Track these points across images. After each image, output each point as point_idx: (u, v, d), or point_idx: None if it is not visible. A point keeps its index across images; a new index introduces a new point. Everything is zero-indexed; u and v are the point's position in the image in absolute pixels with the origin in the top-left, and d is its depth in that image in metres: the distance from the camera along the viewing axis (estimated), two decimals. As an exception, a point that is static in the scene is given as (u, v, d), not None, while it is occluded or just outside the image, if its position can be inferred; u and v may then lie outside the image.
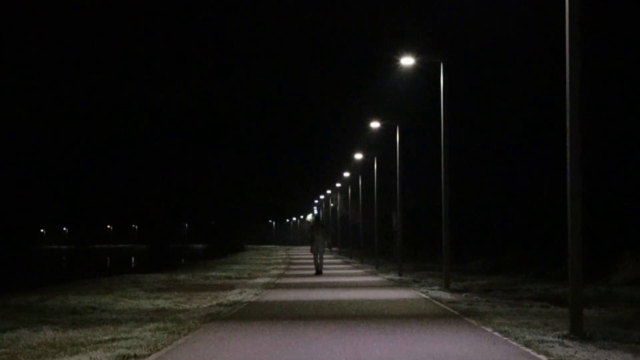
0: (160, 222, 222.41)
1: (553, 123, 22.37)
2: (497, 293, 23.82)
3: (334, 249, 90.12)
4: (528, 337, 13.36)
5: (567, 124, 13.74)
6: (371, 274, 39.07)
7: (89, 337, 14.14)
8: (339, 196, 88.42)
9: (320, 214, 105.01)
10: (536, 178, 39.46)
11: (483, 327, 15.16)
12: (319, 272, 36.65)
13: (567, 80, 13.69)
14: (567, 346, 12.39)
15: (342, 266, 49.87)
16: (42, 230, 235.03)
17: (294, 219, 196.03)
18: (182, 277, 35.50)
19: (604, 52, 31.65)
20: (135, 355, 11.90)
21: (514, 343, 12.90)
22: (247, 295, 23.99)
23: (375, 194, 49.86)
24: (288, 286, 29.00)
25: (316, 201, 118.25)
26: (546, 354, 11.70)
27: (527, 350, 12.15)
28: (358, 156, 57.93)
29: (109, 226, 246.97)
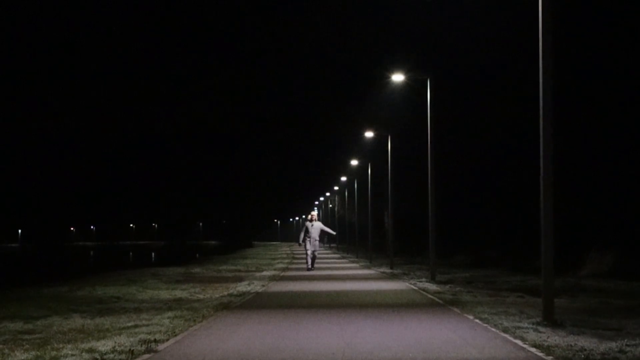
0: (177, 221, 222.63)
1: (528, 132, 22.40)
2: (478, 284, 23.83)
3: (332, 245, 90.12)
4: (505, 324, 13.36)
5: (541, 137, 13.74)
6: (365, 267, 39.06)
7: (113, 324, 14.14)
8: (337, 198, 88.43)
9: (320, 213, 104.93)
10: (514, 181, 39.43)
11: (465, 315, 15.15)
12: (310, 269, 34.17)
13: (541, 95, 13.70)
14: (540, 332, 12.40)
15: (340, 261, 49.89)
16: (72, 229, 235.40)
17: (297, 218, 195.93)
18: (197, 270, 35.50)
19: (572, 67, 31.60)
20: (155, 340, 11.90)
21: (493, 329, 12.90)
22: (255, 287, 23.98)
23: (369, 196, 49.85)
24: (291, 278, 29.00)
25: (317, 202, 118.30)
26: (522, 339, 11.70)
27: (505, 335, 12.15)
28: (354, 162, 58.06)
29: (131, 225, 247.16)
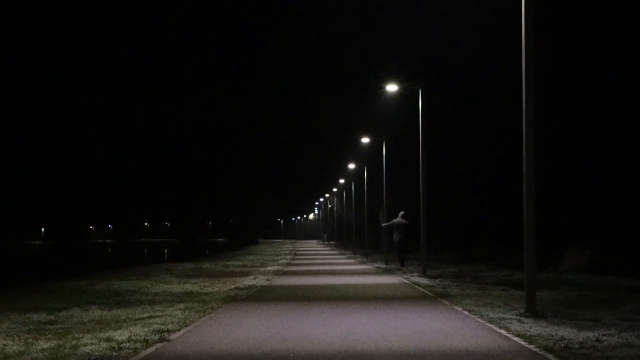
0: (188, 220, 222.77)
1: (512, 138, 22.43)
2: (466, 279, 23.82)
3: (331, 242, 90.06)
4: (491, 315, 13.36)
5: (524, 143, 13.75)
6: (362, 263, 39.06)
7: (129, 315, 14.15)
8: (335, 199, 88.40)
9: (320, 213, 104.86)
10: (499, 183, 39.47)
11: (454, 306, 15.16)
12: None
13: (524, 105, 13.70)
14: (523, 322, 12.40)
15: (338, 256, 49.88)
16: (91, 227, 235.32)
17: (299, 217, 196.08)
18: (206, 265, 35.50)
19: (552, 73, 31.59)
20: (168, 330, 11.91)
21: (480, 320, 12.91)
22: (260, 281, 23.99)
23: (365, 197, 49.87)
24: (293, 273, 29.01)
25: (317, 203, 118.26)
26: (506, 329, 11.71)
27: (491, 325, 12.16)
28: (351, 166, 57.99)
29: (146, 223, 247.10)
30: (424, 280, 23.29)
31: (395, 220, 32.54)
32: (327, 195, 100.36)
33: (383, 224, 35.75)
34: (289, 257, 48.15)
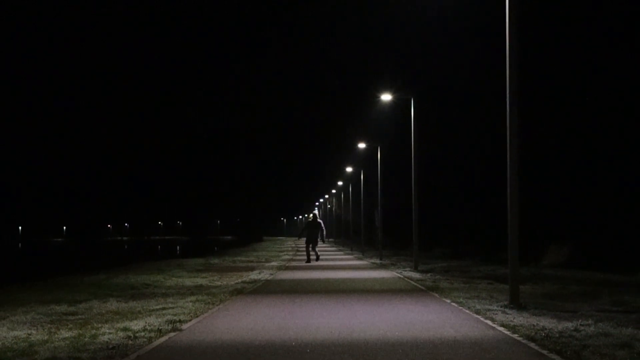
0: (198, 219, 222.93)
1: (497, 143, 22.46)
2: (454, 273, 23.82)
3: (330, 239, 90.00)
4: (478, 307, 13.36)
5: (508, 149, 13.75)
6: (359, 258, 39.04)
7: (144, 307, 14.15)
8: (334, 199, 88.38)
9: (320, 212, 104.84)
10: (485, 185, 39.48)
11: (443, 299, 15.15)
12: (309, 261, 32.57)
13: (508, 114, 13.70)
14: (507, 313, 12.40)
15: (337, 253, 49.86)
16: (109, 226, 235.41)
17: (300, 216, 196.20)
18: (215, 261, 35.50)
19: (533, 83, 31.62)
20: (180, 320, 11.91)
21: (467, 311, 12.90)
22: (264, 275, 23.97)
23: (362, 198, 49.86)
24: (295, 268, 28.99)
25: (317, 203, 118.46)
26: (492, 319, 11.71)
27: (477, 316, 12.16)
28: (349, 169, 58.04)
29: (159, 222, 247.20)
30: (415, 275, 23.28)
31: None
32: (326, 196, 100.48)
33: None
34: (291, 253, 48.12)
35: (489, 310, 12.87)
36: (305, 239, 33.66)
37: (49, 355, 8.67)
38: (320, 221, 33.46)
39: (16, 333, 10.59)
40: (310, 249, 33.14)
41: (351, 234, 60.51)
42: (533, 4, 31.11)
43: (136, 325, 11.35)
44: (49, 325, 11.45)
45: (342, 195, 71.09)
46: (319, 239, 33.08)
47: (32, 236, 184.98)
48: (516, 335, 10.06)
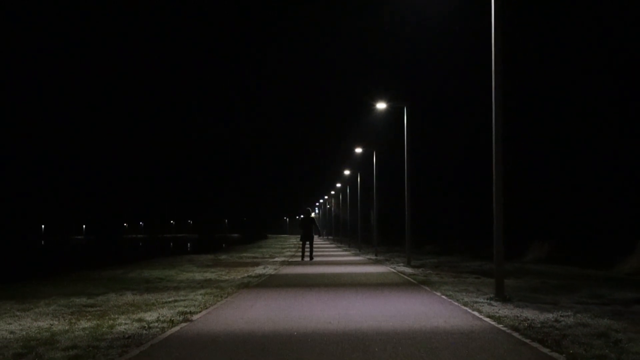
0: (208, 218, 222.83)
1: (483, 147, 22.49)
2: (444, 268, 23.82)
3: (329, 237, 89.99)
4: (466, 299, 13.35)
5: (493, 153, 13.76)
6: (355, 255, 39.02)
7: (158, 299, 14.14)
8: (333, 200, 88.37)
9: (319, 212, 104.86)
10: (472, 186, 39.48)
11: (434, 292, 15.15)
12: (303, 259, 31.01)
13: (494, 121, 13.71)
14: (493, 305, 12.39)
15: (335, 250, 49.83)
16: (125, 225, 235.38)
17: (302, 216, 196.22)
18: (223, 257, 35.47)
19: (517, 88, 31.62)
20: (190, 312, 11.90)
21: (456, 303, 12.89)
22: (269, 270, 23.97)
23: (359, 199, 49.84)
24: (297, 264, 28.98)
25: (317, 203, 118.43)
26: (478, 311, 11.70)
27: (465, 308, 12.15)
28: (346, 172, 57.99)
29: (172, 221, 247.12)
30: (408, 270, 23.27)
31: None
32: (326, 197, 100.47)
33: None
34: (293, 249, 48.11)
35: (476, 302, 12.86)
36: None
37: (69, 344, 8.67)
38: (313, 217, 31.48)
39: (39, 323, 10.59)
40: (306, 246, 31.50)
41: (348, 232, 60.49)
42: (520, 16, 31.14)
43: (150, 316, 11.35)
44: (69, 317, 11.44)
45: (341, 196, 71.08)
46: (314, 235, 31.10)
47: (54, 234, 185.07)
48: (501, 325, 10.06)
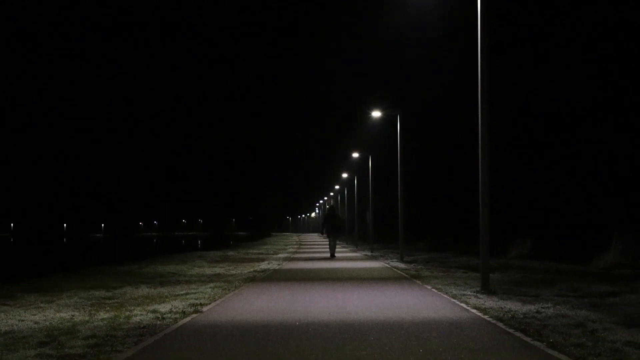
0: (217, 218, 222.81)
1: (471, 150, 22.51)
2: (434, 263, 23.82)
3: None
4: (454, 292, 13.36)
5: (480, 156, 13.78)
6: (353, 251, 39.02)
7: (171, 292, 14.16)
8: (332, 201, 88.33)
9: (319, 212, 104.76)
10: (461, 187, 39.45)
11: (425, 285, 15.16)
12: (333, 255, 29.29)
13: (480, 124, 13.72)
14: (479, 298, 12.40)
15: (335, 246, 49.72)
16: (140, 223, 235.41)
17: (303, 215, 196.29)
18: (231, 253, 35.47)
19: (502, 95, 31.48)
20: (201, 304, 11.92)
21: (445, 296, 12.91)
22: (273, 265, 23.97)
23: (356, 200, 49.85)
24: (299, 259, 28.98)
25: (317, 204, 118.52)
26: (466, 303, 11.71)
27: (454, 300, 12.16)
28: (344, 175, 58.00)
29: (183, 220, 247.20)
30: (401, 265, 23.28)
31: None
32: (325, 198, 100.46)
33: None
34: (295, 246, 48.09)
35: (463, 295, 12.88)
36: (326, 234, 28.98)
37: (89, 334, 8.69)
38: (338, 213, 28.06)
39: (62, 315, 10.60)
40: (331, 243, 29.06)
41: (346, 230, 60.48)
42: (507, 23, 31.06)
43: (164, 308, 11.36)
44: (89, 308, 11.46)
45: (339, 197, 71.09)
46: (339, 232, 28.55)
47: (75, 232, 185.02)
48: (487, 316, 10.07)
